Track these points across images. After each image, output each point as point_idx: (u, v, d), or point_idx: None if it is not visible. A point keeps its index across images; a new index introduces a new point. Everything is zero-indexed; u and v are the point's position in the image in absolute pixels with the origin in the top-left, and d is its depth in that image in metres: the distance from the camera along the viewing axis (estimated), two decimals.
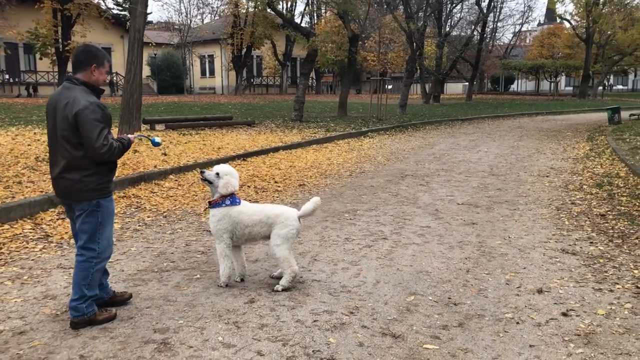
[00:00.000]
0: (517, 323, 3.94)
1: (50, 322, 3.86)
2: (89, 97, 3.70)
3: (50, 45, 33.86)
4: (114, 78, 41.85)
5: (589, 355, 3.48)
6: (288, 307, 4.17)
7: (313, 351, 3.49)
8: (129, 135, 3.97)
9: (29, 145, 11.60)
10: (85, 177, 3.70)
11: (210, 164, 10.45)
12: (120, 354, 3.43)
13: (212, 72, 52.76)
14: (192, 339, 3.63)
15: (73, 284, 3.80)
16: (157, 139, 4.35)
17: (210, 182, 4.60)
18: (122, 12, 50.79)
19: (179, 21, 49.46)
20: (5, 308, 4.09)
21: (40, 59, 35.57)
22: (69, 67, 34.00)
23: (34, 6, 31.35)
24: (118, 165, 4.12)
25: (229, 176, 4.61)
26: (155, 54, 46.58)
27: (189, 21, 48.17)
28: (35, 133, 13.92)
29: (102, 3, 37.46)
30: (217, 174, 4.58)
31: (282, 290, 4.47)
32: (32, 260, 5.23)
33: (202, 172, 4.64)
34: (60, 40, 33.87)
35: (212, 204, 4.61)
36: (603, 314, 4.08)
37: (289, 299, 4.32)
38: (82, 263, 3.79)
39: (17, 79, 37.83)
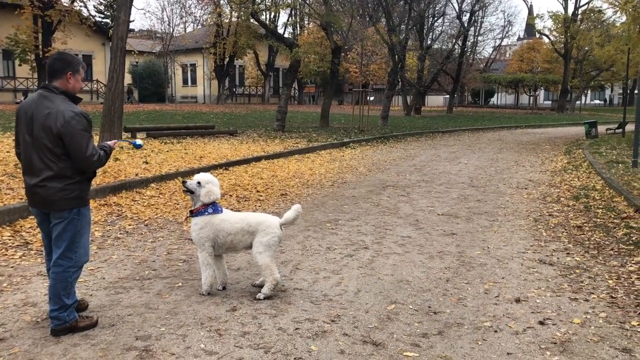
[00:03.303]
0: (496, 331, 4.01)
1: (31, 329, 3.84)
2: (72, 107, 3.69)
3: (30, 51, 33.54)
4: (95, 85, 41.54)
5: None
6: (270, 315, 4.20)
7: (295, 358, 3.52)
8: (109, 142, 3.97)
9: (7, 152, 11.47)
10: (67, 185, 3.69)
11: (192, 172, 10.44)
12: None
13: (194, 81, 52.61)
14: (174, 346, 3.63)
15: (51, 295, 3.76)
16: (139, 141, 4.40)
17: (192, 192, 4.61)
18: (104, 20, 50.59)
19: (161, 29, 49.41)
20: None
21: (20, 65, 35.17)
22: None
23: (14, 12, 31.03)
24: (99, 174, 4.13)
25: (210, 184, 4.63)
26: (137, 62, 46.36)
27: (171, 30, 48.16)
28: (13, 140, 13.75)
29: (84, 10, 37.27)
30: (199, 182, 4.61)
31: (264, 298, 4.50)
32: (12, 267, 5.19)
33: (184, 183, 4.66)
34: (40, 46, 33.58)
35: (194, 213, 4.62)
36: (578, 323, 4.17)
37: (271, 307, 4.35)
38: (60, 274, 3.76)
39: None
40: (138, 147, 4.37)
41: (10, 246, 5.82)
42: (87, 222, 3.88)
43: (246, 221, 4.65)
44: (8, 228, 6.42)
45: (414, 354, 3.63)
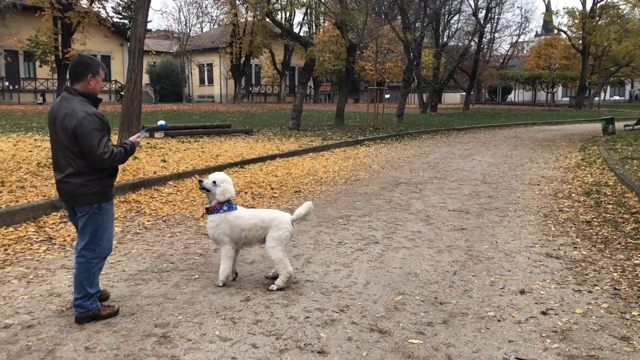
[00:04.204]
0: (499, 321, 4.16)
1: (56, 317, 4.08)
2: (87, 107, 3.88)
3: (50, 52, 34.17)
4: (113, 86, 42.11)
5: (563, 349, 3.70)
6: (282, 304, 4.39)
7: (304, 344, 3.70)
8: (131, 138, 4.18)
9: (30, 151, 11.82)
10: (87, 181, 3.91)
11: (209, 170, 10.68)
12: (123, 346, 3.64)
13: (210, 81, 53.09)
14: (190, 333, 3.84)
15: (75, 284, 4.00)
16: (161, 122, 4.62)
17: (208, 190, 4.83)
18: (122, 21, 51.24)
19: (178, 30, 49.96)
20: (14, 304, 4.30)
21: (40, 66, 35.85)
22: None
23: (34, 14, 31.64)
24: (118, 171, 4.34)
25: (225, 183, 4.85)
26: (154, 62, 46.89)
27: (188, 30, 48.66)
28: (35, 140, 14.13)
29: (102, 11, 37.89)
30: (214, 182, 4.82)
31: (277, 289, 4.69)
32: (37, 260, 5.44)
33: (200, 182, 4.88)
34: (60, 47, 34.19)
35: (210, 211, 4.84)
36: (580, 313, 4.30)
37: (282, 298, 4.54)
38: (84, 264, 4.00)
39: (16, 86, 38.04)
40: (163, 127, 4.61)
41: (35, 241, 6.08)
42: (109, 216, 4.09)
43: (260, 217, 4.86)
44: (32, 224, 6.69)
45: (419, 341, 3.80)
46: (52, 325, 3.93)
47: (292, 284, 4.87)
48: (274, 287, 4.73)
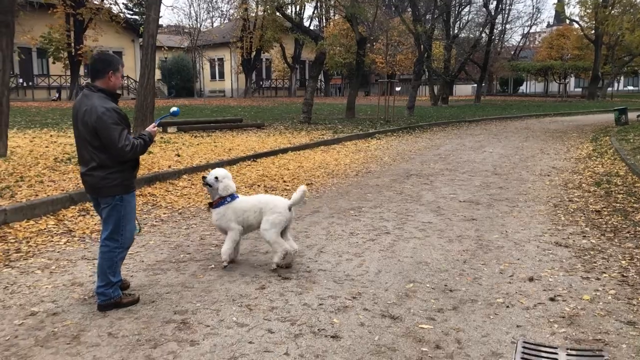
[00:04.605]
0: (507, 307, 4.27)
1: (79, 305, 4.24)
2: (106, 103, 4.02)
3: (63, 49, 34.54)
4: (125, 81, 42.42)
5: (570, 334, 3.81)
6: (296, 292, 4.53)
7: (318, 329, 3.84)
8: (148, 129, 4.34)
9: (46, 147, 12.03)
10: (109, 174, 4.07)
11: (221, 164, 10.83)
12: (145, 332, 3.80)
13: (221, 75, 53.27)
14: (208, 320, 3.99)
15: (99, 272, 4.17)
16: (174, 108, 4.80)
17: (210, 186, 5.10)
18: (133, 17, 51.57)
19: (189, 25, 50.15)
20: (38, 293, 4.48)
21: (54, 63, 36.21)
22: (82, 72, 34.11)
23: (47, 11, 31.95)
24: (139, 164, 4.49)
25: (227, 179, 5.14)
26: (165, 58, 47.15)
27: (198, 25, 48.85)
28: (51, 135, 14.37)
29: (114, 7, 38.15)
30: (216, 177, 5.10)
31: (276, 266, 5.03)
32: (58, 252, 5.62)
33: (203, 178, 5.16)
34: (72, 44, 34.54)
35: (215, 205, 5.14)
36: (588, 299, 4.40)
37: (296, 286, 4.68)
38: (107, 253, 4.17)
39: (30, 83, 38.44)
40: (176, 114, 4.77)
41: (55, 233, 6.26)
42: (131, 208, 4.26)
43: (257, 199, 5.27)
44: (52, 217, 6.88)
45: (429, 326, 3.92)
46: (75, 313, 4.10)
47: (305, 272, 5.02)
48: (273, 265, 5.06)
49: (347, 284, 4.75)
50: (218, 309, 4.17)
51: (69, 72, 36.47)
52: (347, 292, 4.54)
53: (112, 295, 4.14)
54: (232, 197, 5.18)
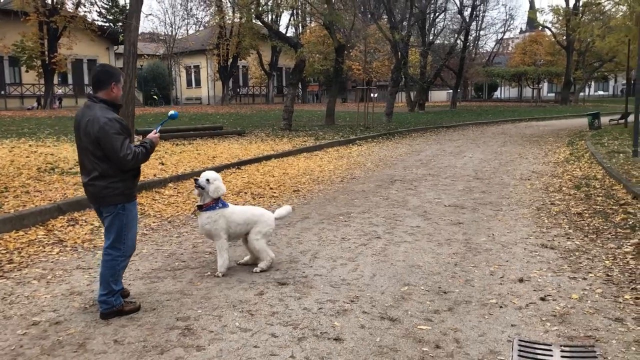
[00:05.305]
0: (501, 307, 4.41)
1: (81, 314, 4.27)
2: (108, 113, 4.08)
3: (37, 57, 34.06)
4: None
5: (563, 331, 3.96)
6: (294, 297, 4.61)
7: (321, 333, 3.93)
8: (149, 136, 4.38)
9: (27, 156, 11.92)
10: (111, 183, 4.12)
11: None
12: (150, 338, 3.84)
13: (198, 83, 53.10)
14: (212, 325, 4.05)
15: (101, 281, 4.21)
16: (172, 111, 4.89)
17: (202, 188, 5.17)
18: (106, 24, 51.09)
19: (164, 32, 49.93)
20: (38, 303, 4.49)
21: (27, 71, 35.69)
22: (55, 81, 33.45)
23: (20, 19, 31.48)
24: (141, 173, 4.54)
25: (217, 181, 5.23)
26: (141, 66, 46.83)
27: (174, 32, 48.66)
28: (30, 145, 14.22)
29: (88, 15, 37.84)
30: (208, 180, 5.18)
31: (261, 271, 5.26)
32: (52, 262, 5.61)
33: (195, 180, 5.24)
34: (46, 52, 34.11)
35: (205, 208, 5.20)
36: (576, 298, 4.57)
37: (295, 291, 4.76)
38: (109, 262, 4.22)
39: (2, 92, 37.76)
40: (174, 117, 4.86)
41: (46, 244, 6.24)
42: (133, 216, 4.32)
43: (251, 213, 5.44)
44: (41, 227, 6.85)
45: (427, 327, 4.04)
46: (78, 322, 4.12)
47: (301, 277, 5.11)
48: (257, 269, 5.28)
49: (344, 288, 4.85)
50: (220, 315, 4.24)
51: (42, 81, 35.94)
52: (344, 296, 4.64)
53: (114, 303, 4.18)
54: (223, 202, 5.25)
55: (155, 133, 4.44)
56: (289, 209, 5.69)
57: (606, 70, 54.69)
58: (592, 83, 67.30)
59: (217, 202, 5.20)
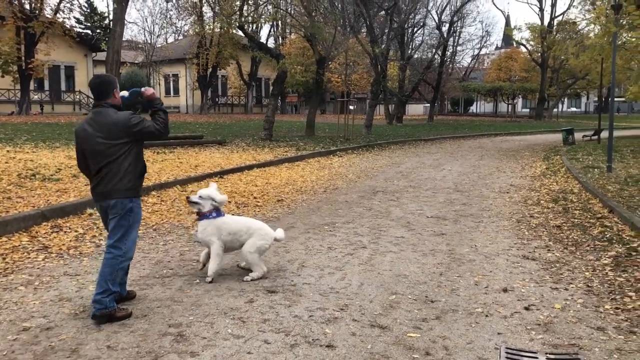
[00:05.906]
0: (487, 316, 4.52)
1: (72, 320, 4.26)
2: (124, 112, 4.39)
3: (13, 63, 33.57)
4: (77, 97, 41.57)
5: (547, 339, 4.08)
6: (285, 305, 4.66)
7: (313, 340, 3.98)
8: (146, 95, 4.58)
9: (6, 162, 11.76)
10: (120, 180, 4.32)
11: (189, 180, 10.89)
12: (143, 344, 3.86)
13: (176, 92, 52.89)
14: (204, 332, 4.08)
15: (99, 279, 4.29)
16: (125, 93, 4.70)
17: (197, 203, 5.30)
18: (85, 31, 50.72)
19: (143, 40, 49.74)
20: (27, 309, 4.47)
21: (2, 76, 35.12)
22: (32, 86, 32.85)
23: None
24: (146, 171, 4.64)
25: (211, 194, 5.36)
26: (120, 73, 46.48)
27: (153, 40, 48.50)
28: (8, 151, 14.02)
29: (67, 22, 37.48)
30: (200, 196, 5.32)
31: (251, 280, 5.28)
32: (38, 268, 5.57)
33: (188, 198, 5.38)
34: (23, 58, 33.66)
35: (201, 217, 5.32)
36: (559, 308, 4.70)
37: (284, 299, 4.81)
38: (110, 260, 4.34)
39: None
40: (127, 99, 4.79)
41: (31, 250, 6.20)
42: (138, 218, 4.51)
43: (247, 225, 5.48)
44: (25, 234, 6.79)
45: (417, 335, 4.12)
46: (70, 327, 4.12)
47: (290, 286, 5.16)
48: (248, 278, 5.31)
49: (333, 296, 4.92)
50: (212, 322, 4.27)
51: (18, 86, 35.41)
52: (334, 304, 4.71)
53: (108, 305, 4.20)
54: (218, 212, 5.34)
55: (147, 89, 4.65)
56: (283, 236, 5.61)
57: (579, 87, 56.02)
58: (565, 99, 68.75)
59: (212, 212, 5.29)
